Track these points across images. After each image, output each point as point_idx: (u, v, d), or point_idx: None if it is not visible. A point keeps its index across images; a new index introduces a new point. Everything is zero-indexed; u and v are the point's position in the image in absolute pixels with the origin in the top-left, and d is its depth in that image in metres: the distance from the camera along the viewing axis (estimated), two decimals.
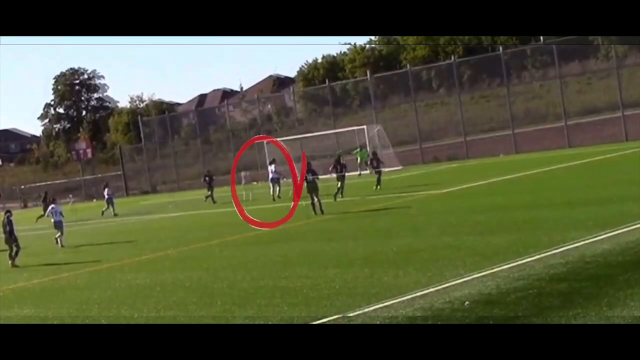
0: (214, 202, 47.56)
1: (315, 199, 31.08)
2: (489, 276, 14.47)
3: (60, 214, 33.19)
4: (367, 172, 56.59)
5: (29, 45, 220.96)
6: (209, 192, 49.04)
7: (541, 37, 56.19)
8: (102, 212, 49.98)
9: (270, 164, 47.25)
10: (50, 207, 34.02)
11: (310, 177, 31.63)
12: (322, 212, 30.74)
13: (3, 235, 28.46)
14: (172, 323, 14.52)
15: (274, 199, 42.93)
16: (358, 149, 58.31)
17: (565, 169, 37.78)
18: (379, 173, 40.63)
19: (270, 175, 45.30)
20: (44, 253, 31.21)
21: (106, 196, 50.79)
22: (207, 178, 50.11)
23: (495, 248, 17.54)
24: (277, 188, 43.93)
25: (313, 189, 31.17)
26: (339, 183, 36.79)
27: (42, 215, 49.43)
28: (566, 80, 62.07)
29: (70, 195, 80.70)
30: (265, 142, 66.04)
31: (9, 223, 28.01)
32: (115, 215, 48.47)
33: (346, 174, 38.54)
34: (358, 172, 57.19)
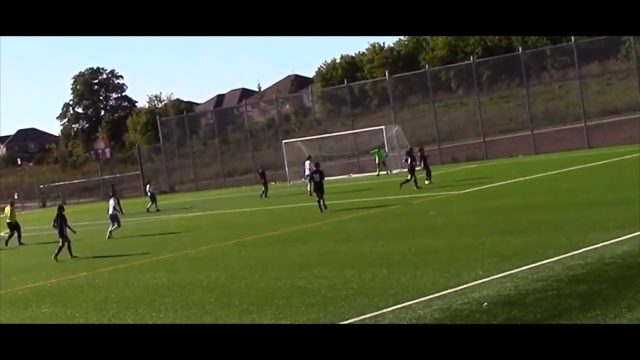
0: (266, 196, 48.26)
1: (321, 199, 33.35)
2: (507, 277, 14.40)
3: (115, 208, 34.67)
4: (385, 172, 56.60)
5: (48, 44, 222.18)
6: (264, 188, 49.84)
7: (572, 38, 55.86)
8: (147, 209, 50.73)
9: (307, 160, 48.58)
10: (110, 201, 35.35)
11: (317, 178, 33.85)
12: (326, 208, 33.21)
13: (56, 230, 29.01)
14: (190, 323, 14.54)
15: (310, 194, 43.23)
16: (376, 149, 58.23)
17: (585, 169, 37.58)
18: (428, 167, 40.40)
19: (307, 172, 45.93)
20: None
21: (149, 193, 52.40)
22: (261, 174, 50.97)
23: (514, 249, 17.45)
24: (313, 184, 44.36)
25: (318, 189, 33.54)
26: (410, 175, 38.46)
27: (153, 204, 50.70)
28: (586, 80, 61.82)
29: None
30: (283, 142, 66.12)
31: (60, 218, 28.64)
32: (158, 210, 49.34)
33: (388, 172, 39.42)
34: (377, 172, 57.14)
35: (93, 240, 33.60)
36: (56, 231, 28.84)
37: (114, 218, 34.70)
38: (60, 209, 29.76)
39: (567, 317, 11.18)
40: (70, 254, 28.43)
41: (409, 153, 39.99)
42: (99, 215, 50.30)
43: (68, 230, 28.82)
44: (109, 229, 34.43)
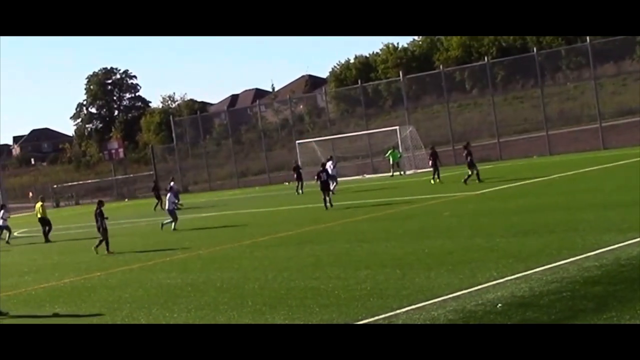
0: (302, 192, 48.70)
1: (327, 197, 35.50)
2: (522, 278, 14.34)
3: (173, 202, 35.21)
4: (398, 172, 56.49)
5: (62, 45, 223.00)
6: (299, 184, 50.48)
7: (587, 38, 55.64)
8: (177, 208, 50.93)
9: (328, 160, 48.97)
10: (167, 196, 35.77)
11: (324, 177, 36.38)
12: (332, 206, 35.26)
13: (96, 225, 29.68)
14: (204, 323, 14.53)
15: (332, 193, 43.63)
16: (390, 150, 58.14)
17: (600, 170, 37.41)
18: (474, 166, 39.93)
19: (330, 172, 46.17)
20: (78, 251, 31.40)
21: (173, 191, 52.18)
22: (297, 171, 51.57)
23: (529, 250, 17.38)
24: (334, 184, 44.74)
25: (325, 187, 35.82)
26: (471, 170, 38.93)
27: (158, 204, 50.90)
28: (601, 81, 61.55)
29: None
30: (297, 143, 66.09)
31: (99, 214, 29.27)
32: (182, 207, 49.50)
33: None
34: (391, 173, 57.05)
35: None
36: (96, 225, 29.59)
37: (172, 213, 34.96)
38: (100, 204, 30.45)
39: (582, 318, 11.14)
40: (107, 249, 29.04)
41: (466, 147, 40.19)
42: (145, 211, 50.41)
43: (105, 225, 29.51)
44: (164, 222, 34.92)
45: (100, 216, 29.35)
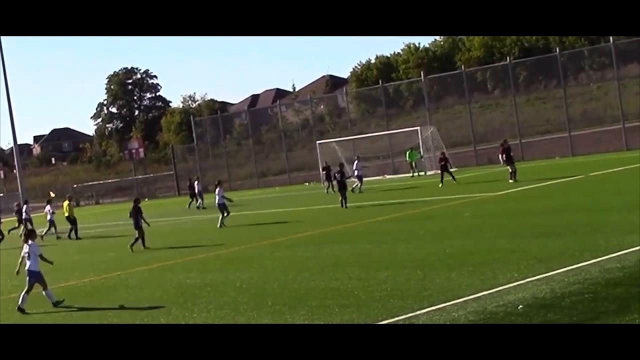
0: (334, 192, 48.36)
1: (343, 197, 36.58)
2: (543, 280, 14.23)
3: (223, 197, 35.43)
4: (417, 173, 56.31)
5: (83, 44, 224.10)
6: (329, 185, 50.38)
7: (611, 38, 55.30)
8: (198, 207, 51.71)
9: (355, 161, 49.38)
10: (216, 191, 35.97)
11: (339, 177, 37.99)
12: (346, 207, 35.95)
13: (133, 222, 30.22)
14: (223, 323, 14.49)
15: (360, 191, 44.64)
16: (409, 150, 58.00)
17: (623, 172, 37.11)
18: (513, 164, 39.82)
19: (356, 173, 47.20)
20: (94, 250, 31.47)
21: (197, 190, 53.24)
22: (327, 171, 51.74)
23: (551, 251, 17.25)
24: (359, 184, 45.62)
25: (342, 187, 37.10)
26: (510, 167, 39.03)
27: (192, 202, 52.30)
28: (624, 81, 61.07)
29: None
30: (317, 143, 66.02)
31: (136, 210, 29.99)
32: (204, 208, 50.02)
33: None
34: (411, 174, 56.92)
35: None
36: (132, 222, 30.17)
37: (223, 207, 35.15)
38: (137, 201, 31.31)
39: (603, 320, 11.07)
40: (144, 245, 29.52)
41: (503, 145, 40.29)
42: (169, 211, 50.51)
43: (142, 222, 30.05)
44: (220, 218, 34.94)
45: (138, 213, 29.91)
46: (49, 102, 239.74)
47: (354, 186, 45.13)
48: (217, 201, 35.70)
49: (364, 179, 48.22)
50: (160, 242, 32.16)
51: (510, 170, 38.85)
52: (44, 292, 18.97)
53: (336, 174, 38.54)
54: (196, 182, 53.85)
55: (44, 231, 39.97)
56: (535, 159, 56.72)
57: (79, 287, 22.20)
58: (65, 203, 40.87)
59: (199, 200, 52.43)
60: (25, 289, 18.91)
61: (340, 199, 36.81)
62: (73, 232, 39.50)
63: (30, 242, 19.21)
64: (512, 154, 40.28)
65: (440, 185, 42.03)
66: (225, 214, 35.18)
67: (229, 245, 27.42)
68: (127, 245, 29.73)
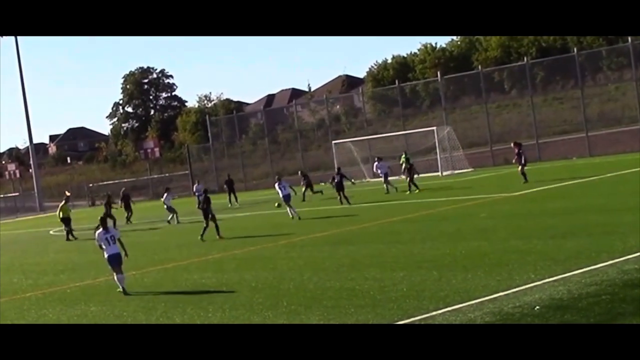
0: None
1: (342, 195, 39.11)
2: (560, 281, 14.15)
3: (290, 187, 36.48)
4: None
5: (99, 44, 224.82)
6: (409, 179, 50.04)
7: (629, 38, 54.99)
8: (230, 205, 52.27)
9: (377, 161, 49.46)
10: (276, 184, 36.53)
11: (338, 178, 40.30)
12: (349, 203, 38.29)
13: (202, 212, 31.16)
14: (238, 323, 14.47)
15: (387, 191, 44.47)
16: (403, 155, 57.00)
17: None
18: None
19: (380, 172, 47.46)
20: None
21: (226, 188, 54.41)
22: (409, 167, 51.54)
23: (567, 252, 17.16)
24: (387, 184, 45.22)
25: (340, 187, 39.66)
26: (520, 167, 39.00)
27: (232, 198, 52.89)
28: None
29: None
30: (333, 143, 65.93)
31: (205, 201, 30.97)
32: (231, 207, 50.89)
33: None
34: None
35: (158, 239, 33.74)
36: (201, 213, 31.13)
37: (288, 198, 35.54)
38: (206, 191, 32.34)
39: (621, 321, 11.04)
40: (218, 234, 30.38)
41: (517, 145, 40.23)
42: (147, 215, 50.66)
43: (211, 212, 30.91)
44: (291, 212, 35.21)
45: (207, 203, 30.83)
46: (65, 101, 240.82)
47: (388, 187, 44.67)
48: (283, 192, 35.75)
49: (373, 180, 47.98)
50: (175, 241, 32.24)
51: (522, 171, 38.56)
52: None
53: (335, 176, 41.18)
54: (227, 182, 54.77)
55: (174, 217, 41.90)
56: (552, 160, 56.51)
57: (94, 286, 22.25)
58: (61, 204, 41.49)
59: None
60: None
61: (339, 198, 39.23)
62: (69, 232, 40.01)
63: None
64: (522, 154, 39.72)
65: (414, 191, 41.52)
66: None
67: (245, 245, 27.42)
68: (140, 245, 29.79)
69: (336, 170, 43.48)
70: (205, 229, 30.47)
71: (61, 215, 40.95)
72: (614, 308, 11.77)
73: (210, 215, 30.69)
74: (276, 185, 36.43)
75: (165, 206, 43.45)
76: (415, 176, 43.80)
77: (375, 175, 52.97)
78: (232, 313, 15.62)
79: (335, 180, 40.51)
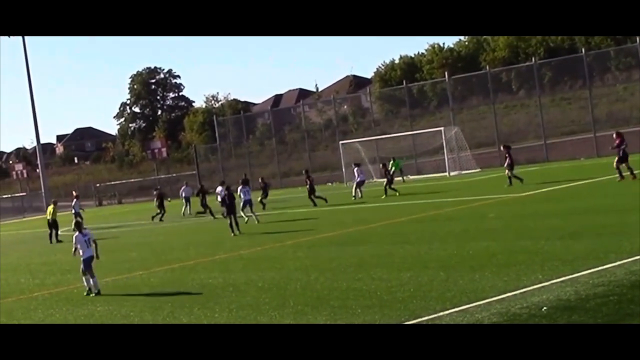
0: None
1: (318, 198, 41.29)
2: (568, 282, 14.10)
3: (250, 193, 37.34)
4: (401, 178, 55.41)
5: (106, 44, 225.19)
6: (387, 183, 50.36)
7: (637, 38, 54.83)
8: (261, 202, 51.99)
9: (383, 164, 49.87)
10: (240, 188, 37.29)
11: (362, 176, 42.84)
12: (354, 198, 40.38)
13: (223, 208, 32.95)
14: (245, 323, 14.45)
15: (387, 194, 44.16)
16: (391, 161, 56.49)
17: None
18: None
19: (359, 177, 47.00)
20: (117, 250, 31.55)
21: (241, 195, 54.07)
22: (383, 166, 51.99)
23: (575, 253, 17.10)
24: (358, 191, 45.12)
25: (312, 191, 42.02)
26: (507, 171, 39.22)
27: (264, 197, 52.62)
28: None
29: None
30: (340, 143, 65.88)
31: (229, 197, 32.33)
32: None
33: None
34: (402, 179, 55.62)
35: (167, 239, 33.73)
36: (224, 209, 32.93)
37: (248, 204, 36.41)
38: (229, 188, 33.69)
39: (629, 322, 10.98)
40: (238, 229, 31.77)
41: (506, 148, 40.56)
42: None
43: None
44: (247, 216, 36.01)
45: (230, 198, 32.14)
46: (72, 101, 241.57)
47: (358, 193, 44.48)
48: (244, 198, 36.44)
49: (383, 180, 47.81)
50: (180, 242, 32.24)
51: (509, 175, 38.44)
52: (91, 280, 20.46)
53: (307, 180, 43.10)
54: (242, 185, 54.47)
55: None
56: (560, 160, 56.39)
57: (101, 285, 22.20)
58: (50, 207, 41.62)
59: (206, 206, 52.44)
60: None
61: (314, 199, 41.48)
62: (55, 235, 40.31)
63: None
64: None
65: (389, 194, 41.84)
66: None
67: (251, 245, 27.40)
68: (147, 245, 29.77)
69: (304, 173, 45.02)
70: (230, 225, 31.83)
71: (49, 217, 40.99)
72: (622, 309, 11.72)
73: (232, 211, 31.98)
74: (239, 189, 37.02)
75: (182, 198, 48.29)
76: (421, 177, 43.85)
77: (381, 176, 52.76)
78: (239, 313, 15.60)
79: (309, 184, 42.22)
